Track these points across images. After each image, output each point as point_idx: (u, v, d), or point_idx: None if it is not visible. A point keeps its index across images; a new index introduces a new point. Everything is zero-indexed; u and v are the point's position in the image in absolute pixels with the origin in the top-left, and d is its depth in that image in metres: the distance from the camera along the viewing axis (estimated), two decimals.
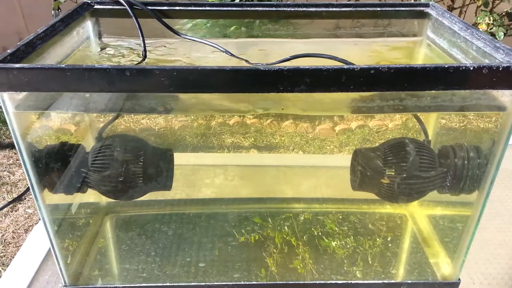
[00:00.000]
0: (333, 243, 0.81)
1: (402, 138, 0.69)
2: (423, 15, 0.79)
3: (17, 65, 0.48)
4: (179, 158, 0.75)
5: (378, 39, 0.81)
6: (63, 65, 0.48)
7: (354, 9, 0.77)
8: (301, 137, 1.71)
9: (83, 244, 0.79)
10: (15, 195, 1.80)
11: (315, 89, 0.50)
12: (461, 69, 0.49)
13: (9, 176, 1.93)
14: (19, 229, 1.66)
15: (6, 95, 0.50)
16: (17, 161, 2.01)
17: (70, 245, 0.75)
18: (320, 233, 0.83)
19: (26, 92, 0.50)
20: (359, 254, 0.79)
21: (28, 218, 1.70)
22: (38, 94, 0.52)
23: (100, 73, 0.48)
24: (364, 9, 0.77)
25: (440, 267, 0.76)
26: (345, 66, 0.49)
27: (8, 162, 2.02)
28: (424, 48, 0.77)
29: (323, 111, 0.58)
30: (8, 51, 0.52)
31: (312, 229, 0.84)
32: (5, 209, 1.74)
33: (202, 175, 1.02)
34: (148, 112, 0.54)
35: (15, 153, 2.06)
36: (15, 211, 1.75)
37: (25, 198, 1.82)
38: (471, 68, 0.49)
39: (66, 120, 0.74)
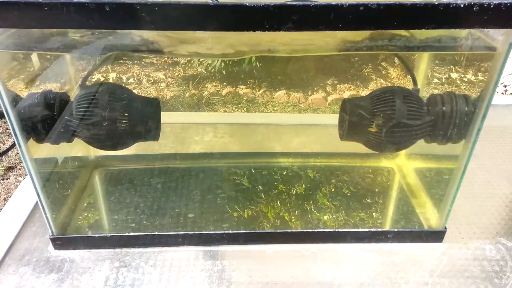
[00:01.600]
0: (322, 195, 0.82)
1: (390, 86, 0.68)
2: None
3: None
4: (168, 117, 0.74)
5: None
6: (40, 0, 0.46)
7: None
8: (293, 107, 1.70)
9: (71, 196, 0.79)
10: (6, 164, 1.78)
11: (302, 27, 0.49)
12: (451, 6, 0.48)
13: None
14: (10, 196, 1.65)
15: None
16: (7, 130, 1.98)
17: (58, 197, 0.75)
18: (308, 186, 0.84)
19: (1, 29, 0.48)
20: (347, 205, 0.80)
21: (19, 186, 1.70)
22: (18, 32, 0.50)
23: (79, 8, 0.46)
24: None
25: (427, 217, 0.77)
26: (333, 2, 0.47)
27: None
28: None
29: (311, 50, 0.56)
30: None
31: (300, 182, 0.85)
32: None
33: (192, 133, 1.01)
34: (131, 49, 0.52)
35: (4, 122, 2.03)
36: (7, 179, 1.74)
37: (16, 166, 1.81)
38: (462, 6, 0.48)
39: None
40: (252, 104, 1.68)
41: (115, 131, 0.67)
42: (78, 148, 0.85)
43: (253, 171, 0.87)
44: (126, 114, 0.67)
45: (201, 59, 1.86)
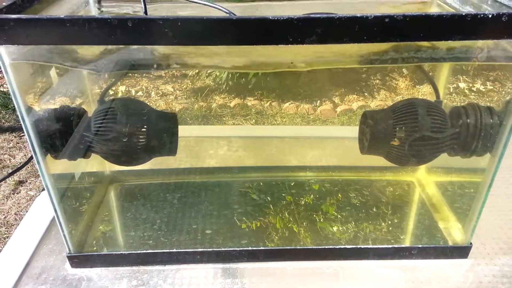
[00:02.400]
0: (341, 210, 0.80)
1: (412, 98, 0.67)
2: None
3: (14, 16, 0.46)
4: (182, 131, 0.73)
5: (387, 0, 0.79)
6: (62, 16, 0.45)
7: None
8: (302, 118, 1.69)
9: (88, 213, 0.78)
10: (17, 178, 1.79)
11: (326, 40, 0.48)
12: (479, 17, 0.47)
13: (10, 159, 1.91)
14: (21, 211, 1.65)
15: (2, 48, 0.48)
16: (17, 144, 1.99)
17: (74, 213, 0.74)
18: (328, 201, 0.82)
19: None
20: (367, 220, 0.78)
21: (30, 200, 1.70)
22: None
23: (101, 24, 0.46)
24: None
25: (450, 233, 0.75)
26: (358, 14, 0.46)
27: (9, 146, 2.00)
28: (435, 8, 0.75)
29: (334, 63, 0.55)
30: (4, 3, 0.50)
31: (320, 197, 0.83)
32: (7, 191, 1.73)
33: (206, 146, 1.00)
34: (152, 67, 0.51)
35: (15, 137, 2.04)
36: (17, 193, 1.74)
37: (26, 181, 1.82)
38: (490, 16, 0.47)
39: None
40: (261, 116, 1.67)
41: (133, 147, 0.67)
42: (94, 163, 0.84)
43: (270, 186, 0.85)
44: (144, 129, 0.66)
45: (209, 71, 1.86)
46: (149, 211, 0.80)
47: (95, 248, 0.71)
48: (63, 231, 0.66)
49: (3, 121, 2.17)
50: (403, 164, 0.69)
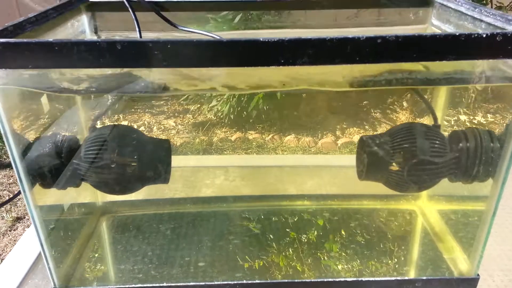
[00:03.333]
0: (340, 241, 0.77)
1: (409, 123, 0.65)
2: (427, 3, 0.76)
3: (2, 40, 0.45)
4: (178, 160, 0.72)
5: (381, 28, 0.79)
6: (50, 39, 0.45)
7: None
8: (303, 151, 1.68)
9: (77, 245, 0.75)
10: (14, 215, 1.76)
11: (318, 61, 0.47)
12: (473, 36, 0.46)
13: (9, 195, 1.89)
14: None
15: None
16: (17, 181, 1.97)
17: (62, 246, 0.71)
18: (325, 231, 0.79)
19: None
20: (368, 251, 0.74)
21: None
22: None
23: (90, 47, 0.45)
24: None
25: (456, 263, 0.71)
26: (350, 36, 0.46)
27: (9, 181, 1.99)
28: None
29: (327, 85, 0.54)
30: None
31: (317, 227, 0.80)
32: (4, 228, 1.70)
33: (203, 176, 0.98)
34: (143, 91, 0.51)
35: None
36: (14, 230, 1.71)
37: (24, 217, 1.79)
38: (484, 36, 0.46)
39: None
40: (262, 149, 1.67)
41: (124, 175, 0.65)
42: (86, 194, 0.82)
43: (268, 216, 0.82)
44: (136, 157, 0.65)
45: (211, 105, 1.88)
46: (140, 243, 0.77)
47: (82, 282, 0.68)
48: (48, 264, 0.63)
49: (4, 156, 2.16)
50: (403, 191, 0.67)
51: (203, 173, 0.99)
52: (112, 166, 0.63)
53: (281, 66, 0.47)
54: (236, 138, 1.75)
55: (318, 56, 0.47)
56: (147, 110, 1.81)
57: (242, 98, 1.80)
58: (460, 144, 0.63)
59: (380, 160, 0.64)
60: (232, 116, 1.84)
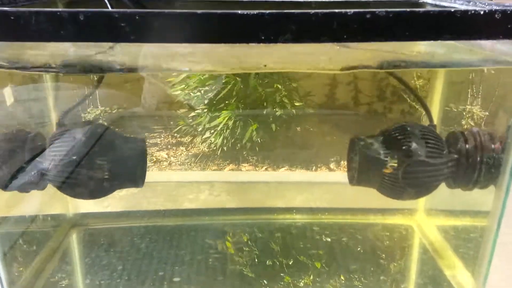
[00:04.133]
0: (333, 257, 0.70)
1: (403, 122, 0.61)
2: (418, 5, 0.74)
3: None
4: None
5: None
6: (5, 8, 0.41)
7: None
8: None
9: (38, 260, 0.67)
10: None
11: (302, 38, 0.43)
12: (469, 13, 0.42)
13: None
14: None
15: None
16: None
17: (20, 261, 0.64)
18: (317, 247, 0.72)
19: None
20: (365, 269, 0.68)
21: None
22: None
23: (50, 17, 0.41)
24: None
25: (459, 281, 0.65)
26: (337, 10, 0.42)
27: None
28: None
29: (310, 67, 0.50)
30: None
31: (307, 243, 0.73)
32: None
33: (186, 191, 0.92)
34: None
35: None
36: None
37: None
38: (481, 13, 0.42)
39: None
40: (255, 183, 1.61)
41: (92, 176, 0.59)
42: (56, 205, 0.76)
43: (251, 229, 0.76)
44: (106, 157, 0.59)
45: (204, 137, 1.85)
46: (111, 257, 0.69)
47: None
48: (1, 280, 0.56)
49: None
50: (398, 197, 0.61)
51: (186, 188, 0.93)
52: (79, 165, 0.58)
53: (261, 44, 0.43)
54: (229, 170, 1.70)
55: (301, 33, 0.42)
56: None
57: (236, 130, 1.76)
58: (459, 145, 0.58)
59: (373, 161, 0.59)
60: (225, 148, 1.81)
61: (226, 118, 1.47)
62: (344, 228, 0.77)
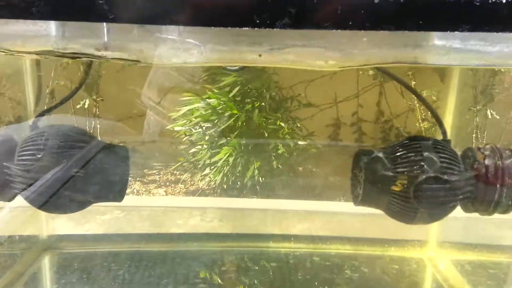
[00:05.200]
0: None
1: (414, 135, 0.55)
2: None
3: None
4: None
5: None
6: None
7: None
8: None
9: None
10: None
11: (301, 24, 0.38)
12: (490, 1, 0.38)
13: None
14: None
15: None
16: None
17: None
18: (317, 281, 0.64)
19: None
20: None
21: None
22: None
23: None
24: None
25: None
26: None
27: None
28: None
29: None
30: None
31: (308, 275, 0.65)
32: None
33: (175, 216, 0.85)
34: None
35: None
36: None
37: None
38: (504, 1, 0.38)
39: None
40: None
41: (65, 186, 0.52)
42: (28, 225, 0.69)
43: (240, 257, 0.68)
44: (82, 166, 0.53)
45: (203, 173, 1.80)
46: (83, 285, 0.61)
47: None
48: None
49: None
50: (409, 220, 0.54)
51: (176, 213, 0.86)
52: (51, 175, 0.51)
53: (256, 28, 0.38)
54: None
55: (301, 18, 0.38)
56: (138, 179, 1.74)
57: (237, 168, 1.72)
58: (476, 162, 0.52)
59: (380, 178, 0.53)
60: (225, 186, 1.75)
61: (227, 154, 1.42)
62: (348, 260, 0.69)
